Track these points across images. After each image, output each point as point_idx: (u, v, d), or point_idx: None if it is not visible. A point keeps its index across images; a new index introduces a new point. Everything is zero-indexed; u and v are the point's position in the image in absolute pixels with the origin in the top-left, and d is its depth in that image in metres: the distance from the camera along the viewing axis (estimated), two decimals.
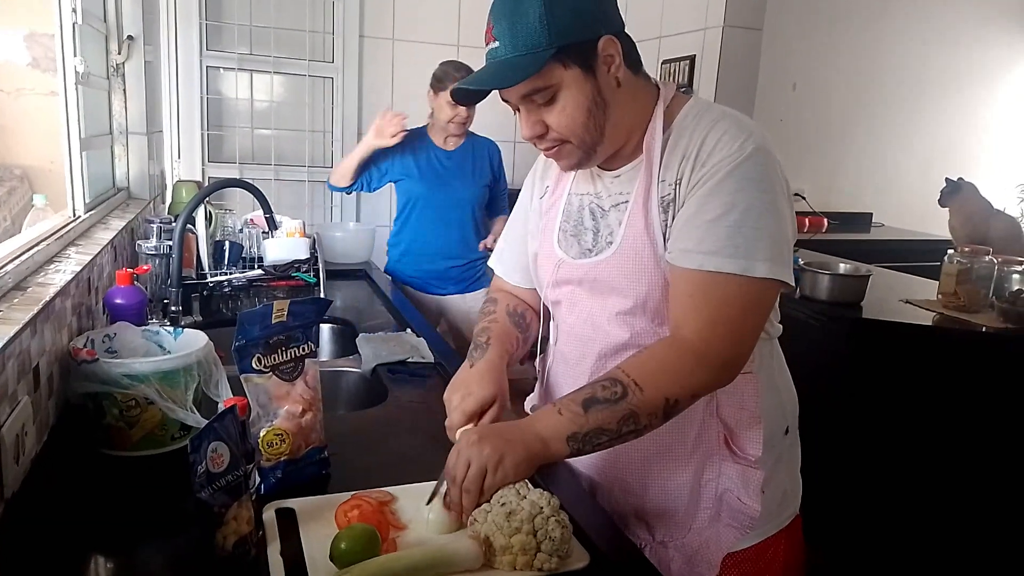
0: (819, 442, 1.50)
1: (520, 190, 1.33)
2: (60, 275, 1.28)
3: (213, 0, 3.75)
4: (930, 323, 2.38)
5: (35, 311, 1.06)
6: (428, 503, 0.99)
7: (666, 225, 1.03)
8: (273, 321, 1.05)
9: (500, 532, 0.88)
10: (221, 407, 1.08)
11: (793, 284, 1.02)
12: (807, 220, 4.39)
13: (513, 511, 0.90)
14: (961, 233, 3.56)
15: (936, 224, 4.07)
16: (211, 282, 2.13)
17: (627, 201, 1.08)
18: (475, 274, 2.87)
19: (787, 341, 1.20)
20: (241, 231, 2.44)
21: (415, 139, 2.73)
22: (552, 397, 1.24)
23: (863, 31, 4.75)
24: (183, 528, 0.94)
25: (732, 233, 0.96)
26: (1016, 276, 2.49)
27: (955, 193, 3.59)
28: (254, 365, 1.03)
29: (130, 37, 2.44)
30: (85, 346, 1.18)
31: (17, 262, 1.23)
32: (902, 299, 2.60)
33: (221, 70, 3.88)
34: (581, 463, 1.18)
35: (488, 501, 0.94)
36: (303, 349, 1.09)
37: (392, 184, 2.82)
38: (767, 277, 0.96)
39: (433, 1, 4.13)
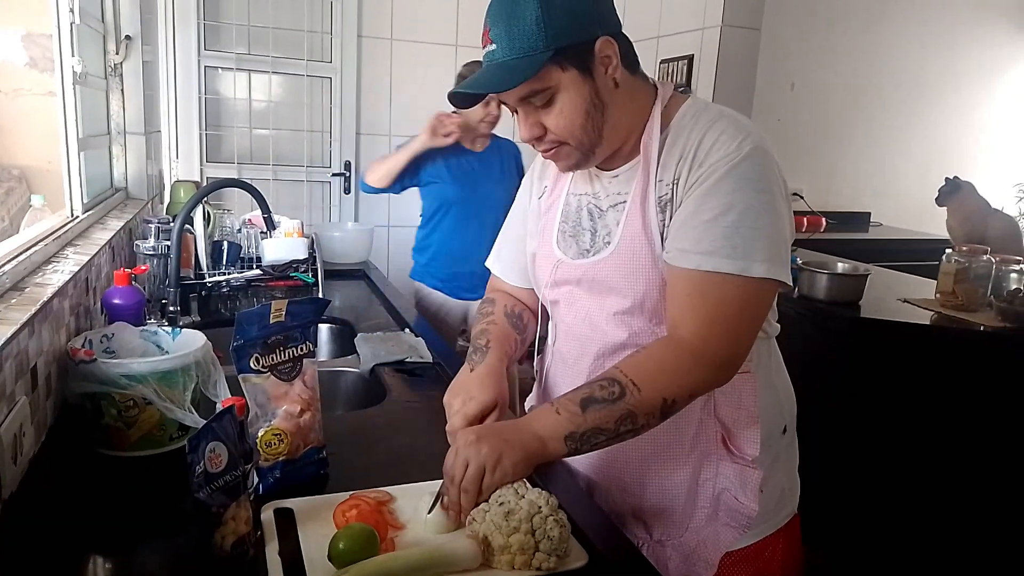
0: (817, 441, 1.51)
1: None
2: (58, 275, 1.28)
3: (211, 0, 3.75)
4: (928, 322, 2.38)
5: (33, 311, 1.06)
6: (429, 512, 0.98)
7: (664, 225, 1.03)
8: (271, 321, 1.05)
9: (498, 531, 0.88)
10: (219, 407, 1.08)
11: (791, 284, 1.02)
12: (805, 220, 4.39)
13: (511, 510, 0.90)
14: (959, 232, 3.56)
15: (934, 224, 4.07)
16: (209, 282, 2.13)
17: (625, 201, 1.08)
18: None
19: (785, 340, 1.20)
20: (239, 231, 2.44)
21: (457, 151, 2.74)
22: (550, 397, 1.24)
23: (861, 31, 4.75)
24: (181, 528, 0.94)
25: (729, 233, 0.96)
26: (1014, 275, 2.50)
27: (954, 193, 3.58)
28: (252, 365, 1.03)
29: (128, 37, 2.44)
30: (83, 346, 1.18)
31: (15, 262, 1.23)
32: (900, 298, 2.60)
33: (219, 70, 3.88)
34: (579, 462, 1.18)
35: (487, 501, 0.94)
36: (301, 349, 1.09)
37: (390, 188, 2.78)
38: (765, 277, 0.97)
39: (431, 1, 4.14)
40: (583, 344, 1.15)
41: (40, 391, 1.11)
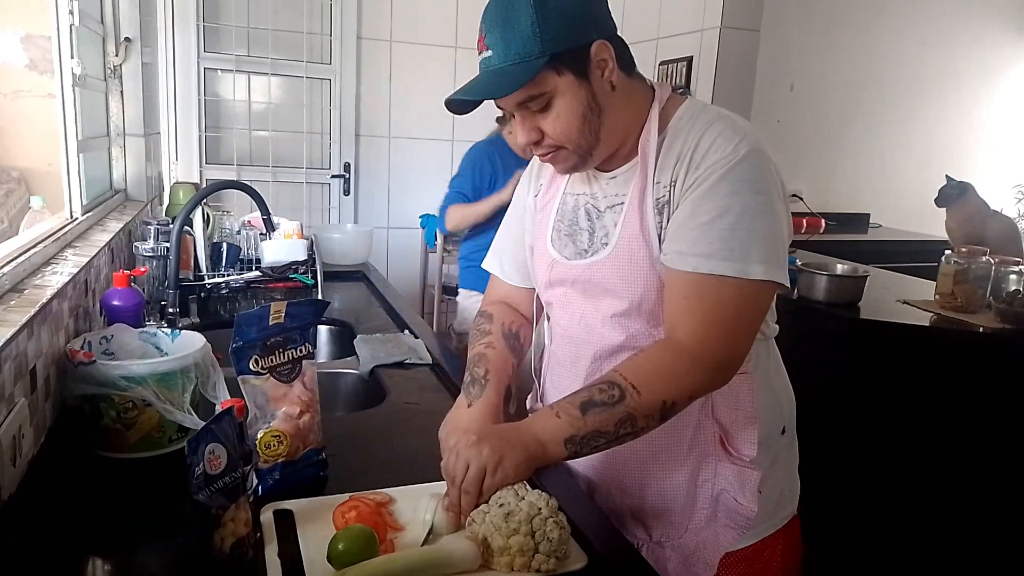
0: (817, 443, 1.50)
1: None
2: (57, 277, 1.28)
3: (211, 2, 3.76)
4: (927, 323, 2.38)
5: (32, 313, 1.05)
6: (432, 517, 0.97)
7: (661, 227, 1.03)
8: (271, 323, 1.05)
9: (498, 533, 0.88)
10: (218, 409, 1.08)
11: (788, 286, 1.02)
12: (805, 221, 4.39)
13: (511, 512, 0.90)
14: (958, 234, 3.56)
15: (934, 225, 4.07)
16: (208, 284, 2.13)
17: (623, 203, 1.08)
18: None
19: (784, 341, 1.20)
20: (239, 233, 2.44)
21: (496, 150, 2.75)
22: (548, 398, 1.24)
23: (860, 32, 4.75)
24: (181, 530, 0.94)
25: (727, 236, 0.96)
26: (1013, 277, 2.50)
27: (961, 196, 3.55)
28: (251, 367, 1.03)
29: (127, 39, 2.44)
30: (82, 348, 1.18)
31: (14, 264, 1.23)
32: (899, 300, 2.60)
33: (219, 72, 3.88)
34: (579, 464, 1.18)
35: (487, 502, 0.94)
36: (301, 350, 1.09)
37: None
38: (762, 279, 0.97)
39: (431, 3, 4.14)
40: (579, 347, 1.15)
41: (39, 393, 1.11)
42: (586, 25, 0.98)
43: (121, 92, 2.47)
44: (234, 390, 1.08)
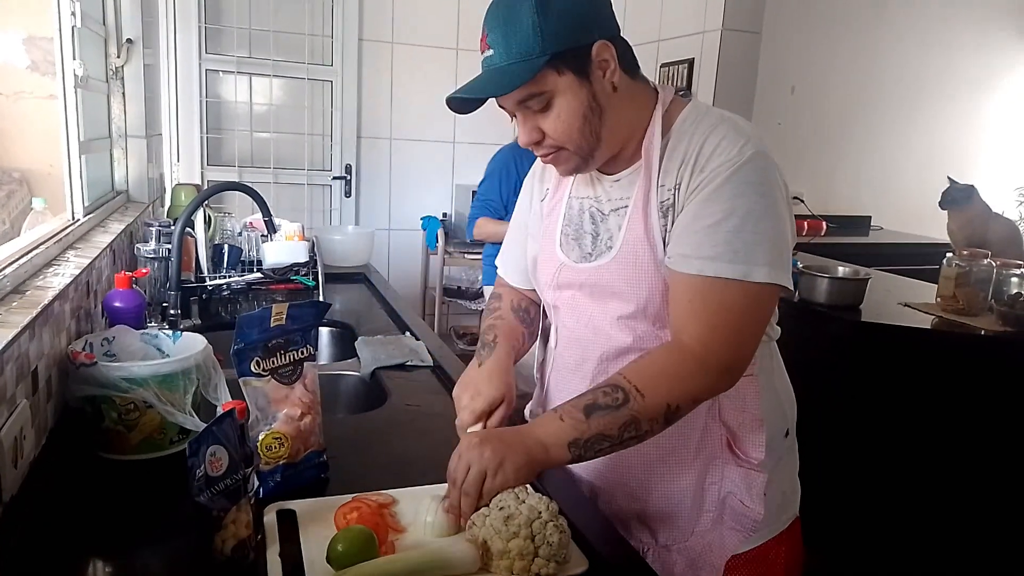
0: (818, 445, 1.50)
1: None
2: (59, 278, 1.28)
3: (212, 3, 3.76)
4: (929, 326, 2.38)
5: (34, 314, 1.06)
6: (433, 517, 0.98)
7: (666, 230, 1.03)
8: (272, 324, 1.05)
9: (498, 536, 0.88)
10: (220, 411, 1.08)
11: (792, 288, 1.02)
12: (806, 223, 4.39)
13: (511, 515, 0.89)
14: (960, 236, 3.55)
15: (935, 227, 4.07)
16: (210, 285, 2.13)
17: (627, 206, 1.08)
18: None
19: (786, 344, 1.20)
20: (240, 234, 2.44)
21: (519, 155, 2.80)
22: (552, 401, 1.24)
23: (861, 34, 4.76)
24: (182, 532, 0.94)
25: (731, 238, 0.96)
26: (1015, 279, 2.50)
27: (967, 199, 3.53)
28: (253, 368, 1.03)
29: (129, 40, 2.44)
30: (84, 349, 1.18)
31: (16, 265, 1.23)
32: (901, 302, 2.60)
33: (220, 73, 3.88)
34: (583, 467, 1.18)
35: (487, 505, 0.94)
36: (302, 352, 1.09)
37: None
38: (767, 282, 0.97)
39: (432, 4, 4.14)
40: (585, 348, 1.15)
41: (41, 394, 1.11)
42: (588, 25, 0.98)
43: (123, 93, 2.47)
44: (235, 392, 1.08)
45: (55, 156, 1.88)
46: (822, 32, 4.66)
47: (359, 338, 1.86)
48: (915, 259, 3.86)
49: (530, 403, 1.36)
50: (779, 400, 1.17)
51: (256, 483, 1.03)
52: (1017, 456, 2.31)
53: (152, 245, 1.93)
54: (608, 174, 1.12)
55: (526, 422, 1.33)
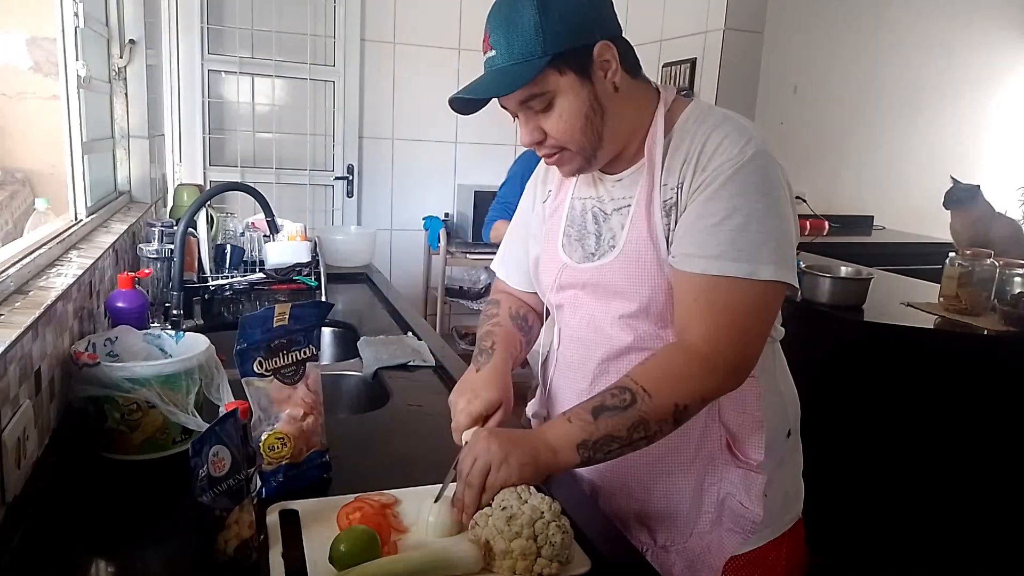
0: (821, 445, 1.50)
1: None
2: (62, 279, 1.28)
3: (214, 4, 3.76)
4: (931, 326, 2.37)
5: (37, 315, 1.06)
6: (436, 500, 0.98)
7: (669, 229, 1.03)
8: (274, 325, 1.05)
9: (500, 536, 0.88)
10: (222, 411, 1.08)
11: (798, 286, 1.02)
12: (808, 223, 4.39)
13: (514, 515, 0.89)
14: (964, 236, 3.54)
15: (937, 227, 4.06)
16: (212, 286, 2.13)
17: (629, 205, 1.08)
18: None
19: (789, 344, 1.20)
20: (242, 234, 2.44)
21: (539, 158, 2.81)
22: (554, 401, 1.24)
23: (864, 34, 4.75)
24: (184, 532, 0.93)
25: (735, 237, 0.96)
26: (1018, 279, 2.49)
27: (972, 199, 3.51)
28: (255, 369, 1.03)
29: (132, 41, 2.45)
30: (86, 350, 1.18)
31: (19, 266, 1.23)
32: (903, 302, 2.60)
33: (222, 74, 3.89)
34: (584, 468, 1.18)
35: (490, 504, 0.94)
36: (304, 352, 1.09)
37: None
38: (772, 280, 0.96)
39: (434, 5, 4.14)
40: (588, 348, 1.15)
41: (44, 395, 1.11)
42: (589, 26, 0.98)
43: (125, 94, 2.48)
44: (238, 392, 1.08)
45: (58, 156, 1.88)
46: (824, 31, 4.65)
47: (361, 338, 1.87)
48: (918, 259, 3.85)
49: (532, 402, 1.36)
50: (782, 401, 1.17)
51: (259, 483, 1.02)
52: (1020, 456, 2.30)
53: (155, 245, 1.94)
54: (610, 174, 1.12)
55: (528, 423, 1.33)
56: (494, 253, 1.40)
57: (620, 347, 1.10)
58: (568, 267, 1.15)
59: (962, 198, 3.49)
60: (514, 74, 0.97)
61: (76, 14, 1.79)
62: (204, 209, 2.06)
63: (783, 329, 1.17)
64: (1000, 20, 5.11)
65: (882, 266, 3.21)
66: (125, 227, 1.97)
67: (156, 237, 1.99)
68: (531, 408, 1.36)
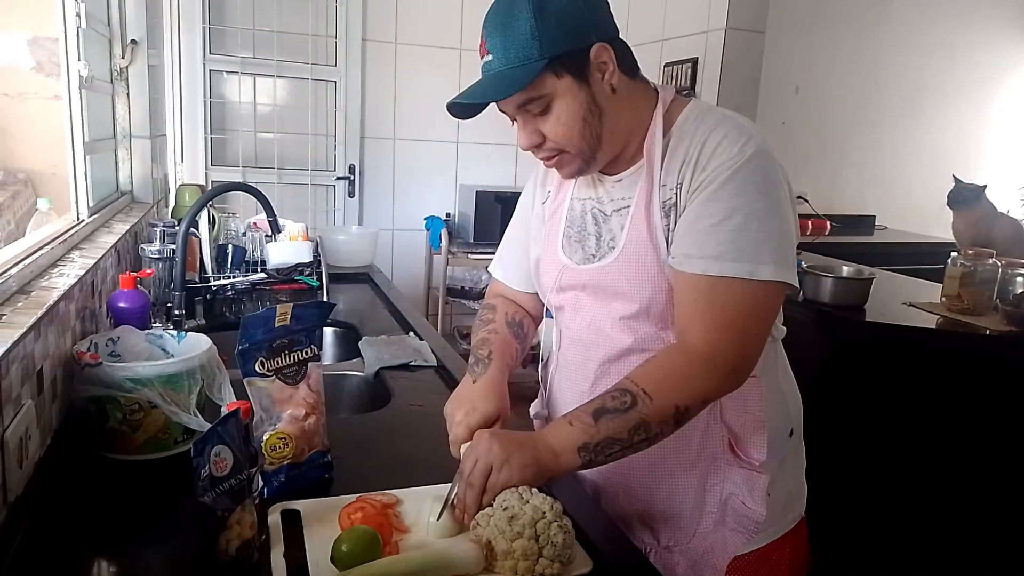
0: (823, 445, 1.50)
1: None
2: (64, 279, 1.29)
3: (216, 4, 3.76)
4: (934, 326, 2.37)
5: (39, 315, 1.06)
6: (438, 518, 0.97)
7: (668, 229, 1.03)
8: (276, 325, 1.05)
9: (502, 536, 0.88)
10: (224, 411, 1.08)
11: (798, 286, 1.02)
12: (810, 223, 4.38)
13: (515, 515, 0.89)
14: (966, 236, 3.53)
15: (939, 227, 4.05)
16: (214, 286, 2.13)
17: (629, 206, 1.08)
18: None
19: (790, 344, 1.20)
20: (244, 235, 2.44)
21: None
22: (555, 403, 1.24)
23: (865, 33, 4.74)
24: (186, 532, 0.93)
25: (735, 237, 0.96)
26: (1020, 279, 2.48)
27: (977, 199, 3.50)
28: (257, 369, 1.03)
29: (133, 41, 2.45)
30: (88, 350, 1.18)
31: (21, 266, 1.23)
32: (905, 302, 2.59)
33: (224, 74, 3.89)
34: (585, 469, 1.18)
35: (492, 504, 0.94)
36: (306, 352, 1.09)
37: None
38: (772, 280, 0.96)
39: (435, 5, 4.14)
40: (589, 349, 1.14)
41: (46, 395, 1.11)
42: (586, 28, 0.98)
43: (127, 94, 2.48)
44: (240, 392, 1.08)
45: (60, 157, 1.88)
46: (826, 31, 4.64)
47: (363, 338, 1.87)
48: (919, 259, 3.85)
49: (534, 403, 1.36)
50: (784, 400, 1.17)
51: (260, 483, 1.03)
52: (1022, 456, 2.30)
53: (156, 245, 1.94)
54: (609, 175, 1.12)
55: (530, 423, 1.33)
56: (494, 253, 1.40)
57: (621, 348, 1.10)
58: (568, 268, 1.15)
59: (968, 197, 3.48)
60: (511, 78, 0.97)
61: (78, 14, 1.80)
62: (206, 209, 2.06)
63: (785, 328, 1.17)
64: (1002, 20, 5.10)
65: (884, 266, 3.21)
66: (127, 227, 1.97)
67: (158, 237, 1.99)
68: (534, 408, 1.36)
